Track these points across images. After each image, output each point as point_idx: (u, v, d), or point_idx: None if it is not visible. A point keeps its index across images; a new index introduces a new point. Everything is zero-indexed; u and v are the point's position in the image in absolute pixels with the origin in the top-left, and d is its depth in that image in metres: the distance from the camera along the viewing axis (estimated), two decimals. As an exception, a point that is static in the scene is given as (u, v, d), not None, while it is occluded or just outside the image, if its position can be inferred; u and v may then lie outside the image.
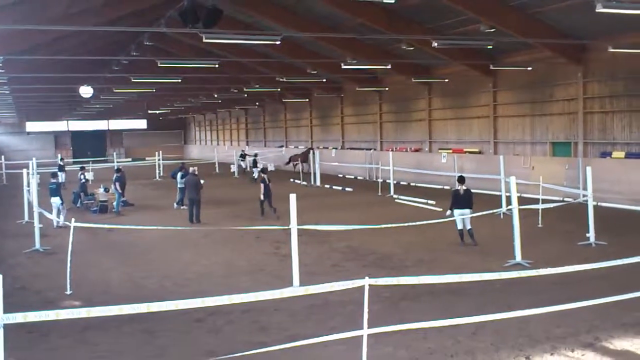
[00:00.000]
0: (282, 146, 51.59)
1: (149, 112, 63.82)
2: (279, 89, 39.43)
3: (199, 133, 78.57)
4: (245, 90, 39.94)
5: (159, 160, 43.15)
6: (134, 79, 28.49)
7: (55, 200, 19.56)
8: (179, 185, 23.76)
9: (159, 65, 22.39)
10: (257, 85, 38.31)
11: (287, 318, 9.46)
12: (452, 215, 14.95)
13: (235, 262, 14.05)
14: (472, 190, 15.36)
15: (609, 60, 22.40)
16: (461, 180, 15.37)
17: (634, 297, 8.38)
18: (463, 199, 14.85)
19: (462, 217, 14.82)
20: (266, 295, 6.88)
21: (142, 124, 77.22)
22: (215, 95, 46.33)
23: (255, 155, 39.01)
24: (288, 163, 41.81)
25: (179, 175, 24.01)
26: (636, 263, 8.21)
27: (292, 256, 10.93)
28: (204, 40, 16.96)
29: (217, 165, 47.49)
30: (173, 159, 46.33)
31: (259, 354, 7.13)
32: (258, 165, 37.17)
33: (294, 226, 10.80)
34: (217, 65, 22.93)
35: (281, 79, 31.91)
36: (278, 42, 17.56)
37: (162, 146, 59.21)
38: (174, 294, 10.60)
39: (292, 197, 10.76)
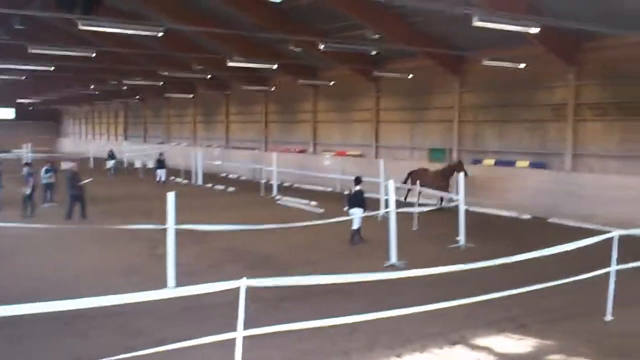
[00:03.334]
0: (163, 142, 50.06)
1: (18, 101, 59.78)
2: (161, 83, 38.27)
3: (74, 126, 74.70)
4: (124, 82, 38.35)
5: (27, 152, 40.50)
6: (0, 64, 26.51)
7: None
8: (43, 181, 22.07)
9: (30, 51, 20.94)
10: (138, 78, 36.93)
11: (160, 321, 9.11)
12: (348, 213, 15.42)
13: (108, 263, 13.39)
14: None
15: (483, 72, 23.67)
16: (355, 181, 15.79)
17: (497, 297, 8.84)
18: (352, 199, 15.39)
19: (351, 217, 15.25)
20: (138, 297, 6.53)
21: (9, 113, 72.12)
22: (92, 87, 44.21)
23: (161, 154, 33.27)
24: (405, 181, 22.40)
25: (42, 170, 22.30)
26: (501, 265, 8.65)
27: (168, 257, 10.56)
28: (80, 28, 16.03)
29: (91, 160, 45.19)
30: (44, 152, 43.53)
31: (129, 359, 6.76)
32: (165, 166, 32.45)
33: (171, 226, 10.45)
34: (93, 55, 21.74)
35: (164, 73, 30.96)
36: (160, 34, 16.97)
37: (32, 138, 55.62)
38: (39, 297, 9.86)
39: (170, 196, 10.41)
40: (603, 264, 9.61)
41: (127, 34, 24.92)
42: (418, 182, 19.95)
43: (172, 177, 34.06)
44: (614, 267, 9.38)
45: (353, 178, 16.31)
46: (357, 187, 15.54)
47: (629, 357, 7.92)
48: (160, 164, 31.95)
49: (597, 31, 16.49)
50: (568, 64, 20.99)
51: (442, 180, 21.47)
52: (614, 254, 9.35)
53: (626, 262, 9.73)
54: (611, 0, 17.11)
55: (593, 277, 9.54)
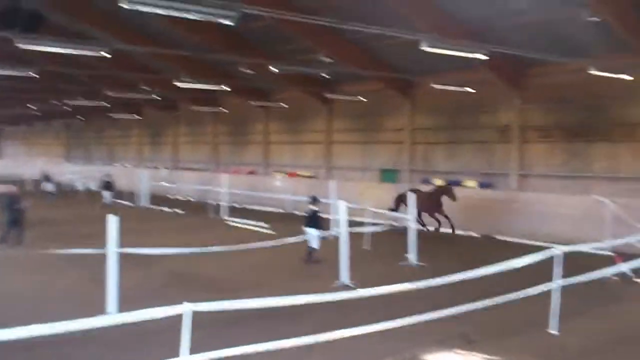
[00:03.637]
0: (107, 164, 48.94)
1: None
2: (107, 104, 37.45)
3: (12, 147, 72.31)
4: (67, 102, 37.23)
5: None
6: None
7: None
8: None
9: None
10: (82, 99, 35.96)
11: (103, 349, 8.71)
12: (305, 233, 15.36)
13: (45, 289, 12.79)
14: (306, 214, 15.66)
15: (433, 95, 24.05)
16: (311, 200, 15.86)
17: (447, 314, 8.82)
18: (307, 219, 15.44)
19: (306, 237, 15.24)
20: (78, 325, 6.17)
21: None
22: (33, 107, 42.83)
23: (107, 175, 31.52)
24: (395, 209, 21.14)
25: None
26: (450, 283, 8.65)
27: (109, 282, 10.14)
28: (20, 47, 15.48)
29: (28, 182, 43.28)
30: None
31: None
32: (112, 187, 30.79)
33: (112, 250, 10.04)
34: (32, 75, 20.96)
35: (109, 93, 30.27)
36: (105, 54, 16.59)
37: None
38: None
39: (112, 218, 10.03)
40: (547, 279, 9.77)
41: (72, 54, 24.42)
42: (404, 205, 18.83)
43: (117, 200, 33.20)
44: (558, 282, 9.56)
45: (306, 199, 16.23)
46: (313, 207, 15.49)
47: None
48: (107, 185, 30.50)
49: (541, 58, 17.01)
50: (513, 89, 21.54)
51: (435, 203, 20.20)
52: (558, 270, 9.56)
53: (569, 277, 9.92)
54: (552, 29, 17.67)
55: (539, 292, 9.69)
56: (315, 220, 15.36)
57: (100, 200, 30.03)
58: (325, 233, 15.68)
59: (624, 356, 8.57)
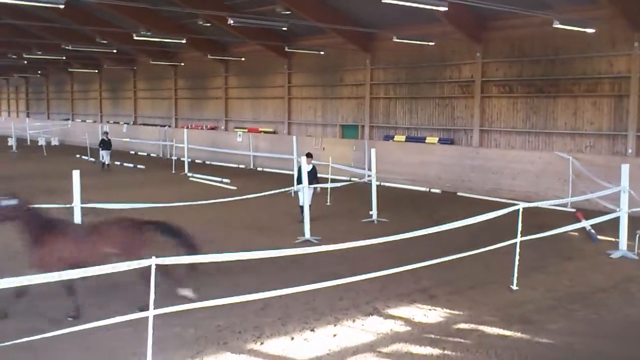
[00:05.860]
0: (67, 119, 48.04)
1: None
2: (64, 58, 36.41)
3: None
4: (25, 56, 36.14)
5: None
6: None
7: None
8: None
9: None
10: (39, 52, 34.93)
11: (69, 301, 8.76)
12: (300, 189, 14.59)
13: (7, 244, 12.69)
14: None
15: (393, 50, 24.01)
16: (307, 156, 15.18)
17: (408, 269, 9.09)
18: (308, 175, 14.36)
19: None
20: (45, 278, 6.23)
21: None
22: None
23: (105, 133, 28.60)
24: None
25: None
26: (411, 238, 8.87)
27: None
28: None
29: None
30: None
31: (38, 341, 6.45)
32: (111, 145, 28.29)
33: (77, 204, 10.02)
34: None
35: (67, 47, 29.44)
36: (61, 6, 16.09)
37: None
38: None
39: (75, 174, 9.98)
40: (509, 235, 10.03)
41: (26, 5, 23.56)
42: None
43: (78, 155, 32.82)
44: (519, 239, 9.80)
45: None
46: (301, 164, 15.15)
47: (532, 325, 8.28)
48: (105, 144, 27.91)
49: (502, 10, 17.01)
50: (475, 42, 21.63)
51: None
52: (519, 226, 9.76)
53: (530, 233, 10.20)
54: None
55: (500, 247, 9.91)
56: (299, 176, 15.05)
57: (98, 160, 28.65)
58: (296, 188, 15.52)
59: (572, 314, 8.79)
